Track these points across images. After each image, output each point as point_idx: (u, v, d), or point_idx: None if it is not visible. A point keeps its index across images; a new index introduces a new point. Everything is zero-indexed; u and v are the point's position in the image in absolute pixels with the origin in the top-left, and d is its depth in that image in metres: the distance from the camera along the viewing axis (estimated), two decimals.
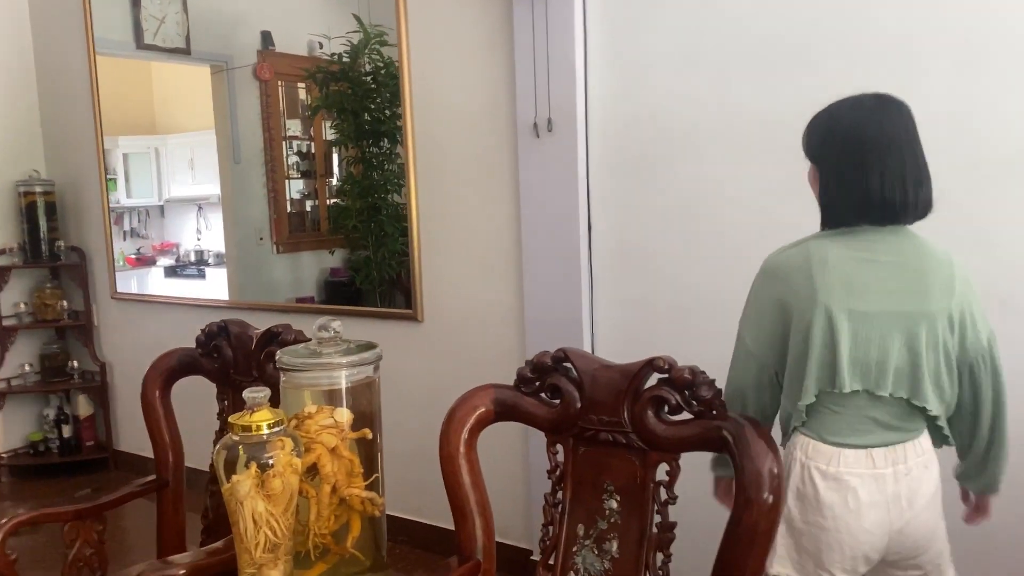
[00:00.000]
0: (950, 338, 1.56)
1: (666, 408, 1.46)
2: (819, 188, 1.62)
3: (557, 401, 1.56)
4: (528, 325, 2.82)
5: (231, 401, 1.98)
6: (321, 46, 4.28)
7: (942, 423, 1.60)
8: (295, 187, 4.37)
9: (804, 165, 1.67)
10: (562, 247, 2.69)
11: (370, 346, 1.52)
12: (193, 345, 2.06)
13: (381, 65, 3.52)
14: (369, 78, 3.58)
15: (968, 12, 2.08)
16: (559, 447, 1.57)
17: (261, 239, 4.18)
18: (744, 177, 2.39)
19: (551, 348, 1.58)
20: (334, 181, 4.37)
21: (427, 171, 3.14)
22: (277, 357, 1.53)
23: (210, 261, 4.59)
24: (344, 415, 1.47)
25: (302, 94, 4.41)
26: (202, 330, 2.02)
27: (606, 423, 1.50)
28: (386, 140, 3.58)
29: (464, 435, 1.56)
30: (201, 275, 4.59)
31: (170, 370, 2.03)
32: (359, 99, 3.57)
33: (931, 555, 1.64)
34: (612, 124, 2.57)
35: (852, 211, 1.56)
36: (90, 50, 4.21)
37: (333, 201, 3.86)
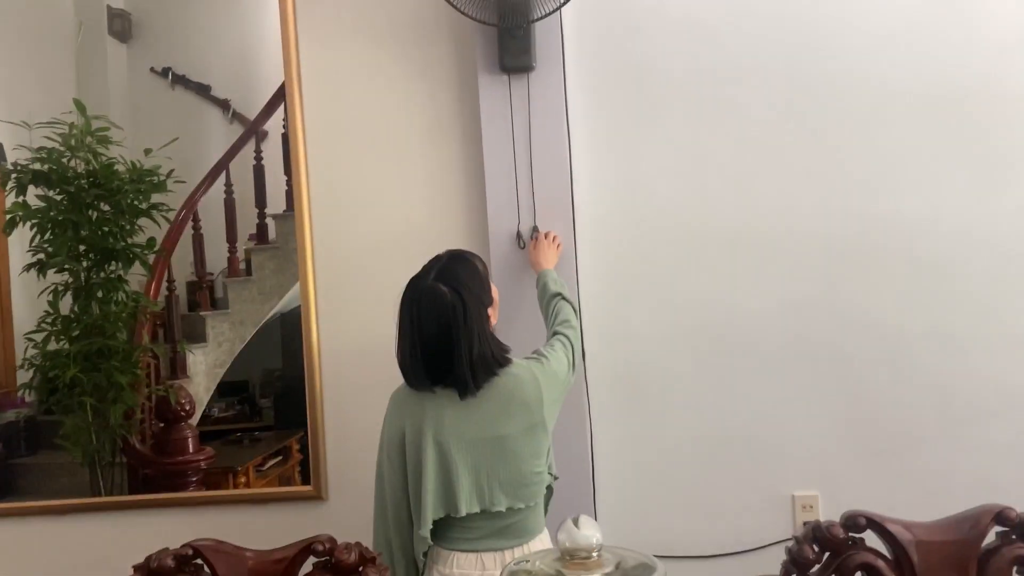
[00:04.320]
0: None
1: None
2: None
3: None
4: None
5: None
6: None
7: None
8: None
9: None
10: None
11: (647, 567, 1.00)
12: None
13: (99, 165, 2.66)
14: (85, 182, 2.68)
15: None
16: None
17: None
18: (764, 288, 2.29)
19: None
20: None
21: (332, 289, 2.48)
22: None
23: None
24: None
25: None
26: (138, 568, 1.18)
27: None
28: (118, 262, 2.69)
29: None
30: None
31: None
32: (78, 208, 2.64)
33: None
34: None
35: None
36: None
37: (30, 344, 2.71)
